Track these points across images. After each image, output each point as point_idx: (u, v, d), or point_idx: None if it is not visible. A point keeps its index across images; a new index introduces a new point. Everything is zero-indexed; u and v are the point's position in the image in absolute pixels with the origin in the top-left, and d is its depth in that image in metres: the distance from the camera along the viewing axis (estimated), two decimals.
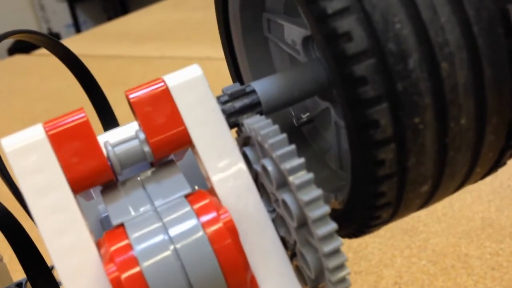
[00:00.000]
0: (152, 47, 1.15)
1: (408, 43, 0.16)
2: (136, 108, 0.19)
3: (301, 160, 0.18)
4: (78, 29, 2.65)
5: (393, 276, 0.46)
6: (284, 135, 0.18)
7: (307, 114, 0.26)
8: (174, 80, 0.20)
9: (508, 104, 0.17)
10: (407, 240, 0.50)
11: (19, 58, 1.29)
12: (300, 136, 0.26)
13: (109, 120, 0.37)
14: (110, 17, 2.79)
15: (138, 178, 0.20)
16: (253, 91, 0.21)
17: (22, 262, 0.22)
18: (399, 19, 0.16)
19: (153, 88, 0.20)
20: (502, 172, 0.57)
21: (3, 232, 0.23)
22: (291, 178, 0.17)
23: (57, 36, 2.57)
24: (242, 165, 0.20)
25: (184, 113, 0.20)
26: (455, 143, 0.17)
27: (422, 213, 0.54)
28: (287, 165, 0.17)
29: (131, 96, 0.20)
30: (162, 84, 0.20)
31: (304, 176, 0.17)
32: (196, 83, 0.20)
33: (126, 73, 1.02)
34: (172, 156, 0.21)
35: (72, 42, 1.39)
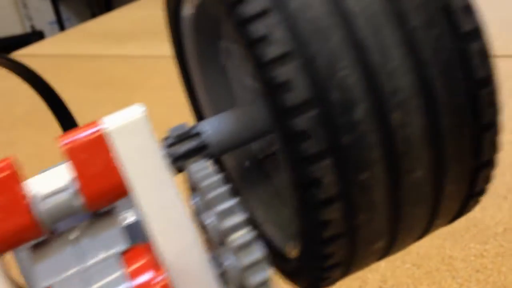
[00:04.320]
0: (135, 45, 1.14)
1: (355, 91, 0.14)
2: (69, 156, 0.18)
3: (242, 217, 0.16)
4: (61, 26, 2.61)
5: (377, 281, 0.45)
6: (226, 188, 0.16)
7: (271, 147, 0.25)
8: (112, 123, 0.18)
9: (469, 151, 0.16)
10: None
11: None
12: (263, 170, 0.25)
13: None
14: (94, 13, 2.74)
15: (73, 232, 0.19)
16: (200, 133, 0.19)
17: None
18: (345, 65, 0.14)
19: (89, 133, 0.18)
20: None
21: None
22: (230, 238, 0.16)
23: (40, 34, 2.53)
24: (185, 218, 0.18)
25: (123, 161, 0.18)
26: (410, 197, 0.15)
27: None
28: (226, 223, 0.16)
29: (63, 142, 0.18)
30: (99, 127, 0.18)
31: (245, 236, 0.16)
32: (137, 127, 0.18)
33: (110, 73, 1.01)
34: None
35: (55, 42, 1.37)
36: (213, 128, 0.19)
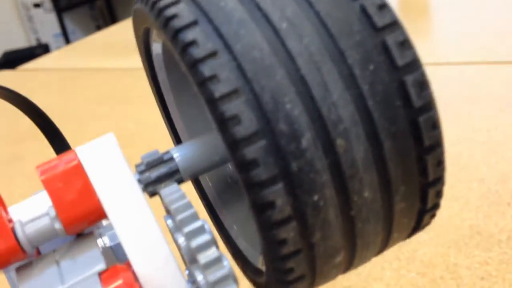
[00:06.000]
0: (139, 58, 1.16)
1: (300, 122, 0.15)
2: (46, 185, 0.19)
3: (208, 237, 0.17)
4: (66, 39, 2.64)
5: None
6: (193, 211, 0.18)
7: None
8: (86, 153, 0.20)
9: (414, 172, 0.17)
10: (396, 251, 0.50)
11: (5, 74, 1.29)
12: (237, 190, 0.26)
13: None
14: (99, 26, 2.77)
15: (55, 253, 0.20)
16: (171, 159, 0.20)
17: None
18: (289, 99, 0.15)
19: (64, 163, 0.19)
20: (489, 176, 0.56)
21: None
22: (198, 256, 0.17)
23: (45, 47, 2.56)
24: (159, 238, 0.19)
25: (98, 187, 0.19)
26: (361, 215, 0.17)
27: None
28: (193, 243, 0.17)
29: (41, 172, 0.19)
30: (74, 157, 0.19)
31: (210, 255, 0.17)
32: (109, 155, 0.20)
33: (114, 86, 1.02)
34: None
35: (60, 56, 1.39)
36: (182, 154, 0.21)
